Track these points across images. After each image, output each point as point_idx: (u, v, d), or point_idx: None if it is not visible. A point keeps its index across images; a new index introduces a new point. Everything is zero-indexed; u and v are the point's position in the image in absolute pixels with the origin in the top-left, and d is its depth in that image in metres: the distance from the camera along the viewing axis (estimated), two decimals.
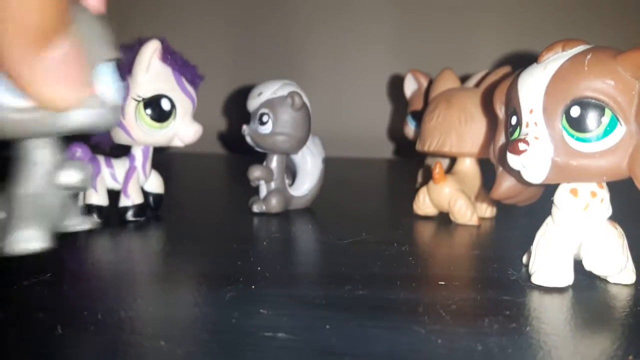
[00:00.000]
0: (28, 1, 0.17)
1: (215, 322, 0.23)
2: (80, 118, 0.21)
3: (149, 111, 0.38)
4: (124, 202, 0.41)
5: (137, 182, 0.41)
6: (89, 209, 0.40)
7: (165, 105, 0.39)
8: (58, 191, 0.23)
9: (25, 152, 0.23)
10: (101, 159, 0.41)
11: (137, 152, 0.41)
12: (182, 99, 0.40)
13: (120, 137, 0.40)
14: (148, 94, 0.38)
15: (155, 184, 0.44)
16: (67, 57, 0.20)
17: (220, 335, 0.22)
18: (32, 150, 0.23)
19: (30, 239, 0.22)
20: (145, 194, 0.43)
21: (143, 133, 0.39)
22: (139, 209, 0.41)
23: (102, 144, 0.41)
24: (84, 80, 0.21)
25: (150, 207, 0.43)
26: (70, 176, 0.23)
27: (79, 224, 0.27)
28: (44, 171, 0.23)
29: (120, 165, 0.41)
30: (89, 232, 0.38)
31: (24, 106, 0.20)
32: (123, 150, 0.42)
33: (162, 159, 0.46)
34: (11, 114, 0.20)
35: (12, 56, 0.19)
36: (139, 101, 0.38)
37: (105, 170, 0.41)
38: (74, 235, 0.37)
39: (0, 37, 0.18)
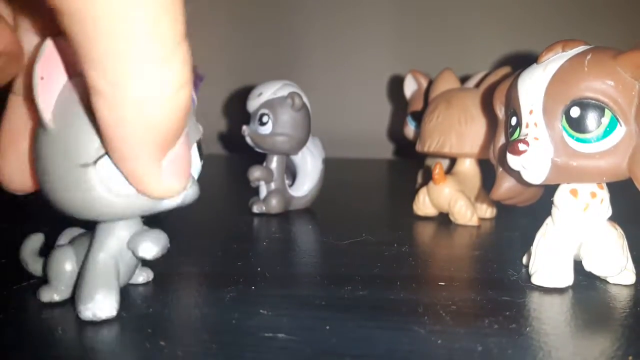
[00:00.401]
0: (165, 109, 0.17)
1: (216, 322, 0.23)
2: (176, 200, 0.22)
3: None
4: None
5: None
6: None
7: None
8: (134, 258, 0.24)
9: (109, 223, 0.23)
10: None
11: None
12: None
13: None
14: None
15: None
16: (181, 153, 0.20)
17: (221, 335, 0.22)
18: (118, 222, 0.23)
19: (105, 308, 0.23)
20: None
21: None
22: None
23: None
24: (190, 169, 0.22)
25: None
26: (149, 250, 0.23)
27: (137, 277, 0.28)
28: (125, 240, 0.24)
29: None
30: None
31: (129, 192, 0.21)
32: None
33: None
34: (115, 199, 0.21)
35: (136, 158, 0.19)
36: None
37: None
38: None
39: (128, 140, 0.18)
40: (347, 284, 0.28)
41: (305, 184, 0.47)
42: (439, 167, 0.41)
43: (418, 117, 0.51)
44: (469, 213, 0.41)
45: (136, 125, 0.17)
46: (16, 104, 0.23)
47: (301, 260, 0.34)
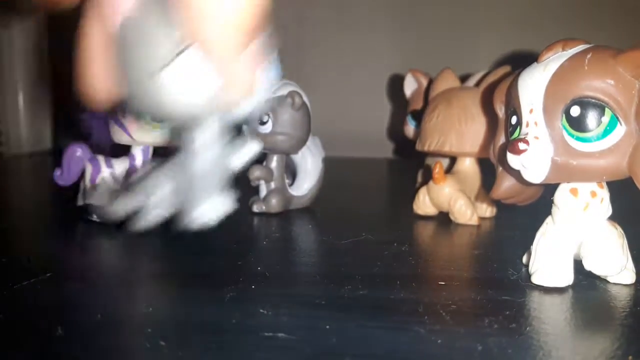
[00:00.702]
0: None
1: (216, 322, 0.23)
2: (247, 107, 0.23)
3: None
4: None
5: None
6: (89, 209, 0.40)
7: None
8: (225, 168, 0.25)
9: (196, 135, 0.24)
10: (101, 159, 0.41)
11: (137, 152, 0.41)
12: None
13: (120, 137, 0.40)
14: None
15: None
16: (254, 55, 0.22)
17: (221, 335, 0.22)
18: (198, 129, 0.24)
19: (215, 207, 0.24)
20: None
21: (143, 133, 0.39)
22: None
23: (101, 144, 0.41)
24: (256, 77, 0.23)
25: None
26: (242, 157, 0.25)
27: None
28: (213, 151, 0.24)
29: (120, 165, 0.41)
30: (88, 232, 0.38)
31: (203, 95, 0.22)
32: (123, 150, 0.42)
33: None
34: (190, 100, 0.22)
35: (219, 48, 0.20)
36: None
37: (105, 170, 0.41)
38: (74, 235, 0.37)
39: (215, 31, 0.20)
40: (347, 284, 0.28)
41: (305, 183, 0.47)
42: (439, 167, 0.41)
43: (418, 116, 0.51)
44: (469, 212, 0.41)
45: (225, 15, 0.19)
46: (95, 22, 0.23)
47: (301, 259, 0.34)
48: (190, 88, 0.22)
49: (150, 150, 0.42)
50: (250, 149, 0.25)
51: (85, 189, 0.41)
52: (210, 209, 0.24)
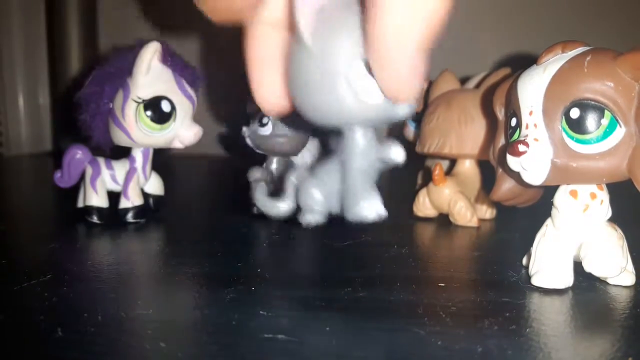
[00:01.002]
0: (426, 26, 0.20)
1: (215, 323, 0.23)
2: (407, 109, 0.25)
3: (149, 113, 0.38)
4: (124, 203, 0.41)
5: (137, 183, 0.41)
6: (89, 211, 0.40)
7: (165, 107, 0.39)
8: (377, 168, 0.27)
9: (353, 134, 0.26)
10: (101, 160, 0.41)
11: (137, 154, 0.41)
12: (182, 101, 0.40)
13: (120, 139, 0.40)
14: (148, 95, 0.38)
15: (155, 185, 0.44)
16: (421, 63, 0.22)
17: (220, 336, 0.22)
18: (358, 132, 0.26)
19: (377, 206, 0.26)
20: (145, 195, 0.43)
21: (143, 135, 0.39)
22: (139, 211, 0.41)
23: (102, 146, 0.41)
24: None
25: (150, 208, 0.43)
26: (399, 153, 0.26)
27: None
28: (370, 148, 0.26)
29: (120, 167, 0.41)
30: (89, 233, 0.38)
31: (373, 102, 0.24)
32: (123, 152, 0.42)
33: (162, 160, 0.46)
34: (362, 106, 0.24)
35: (398, 63, 0.21)
36: (139, 103, 0.38)
37: (105, 172, 0.41)
38: (74, 236, 0.37)
39: (396, 49, 0.21)
40: (347, 285, 0.28)
41: None
42: (439, 168, 0.41)
43: (418, 118, 0.51)
44: (469, 214, 0.41)
45: (406, 36, 0.20)
46: (266, 34, 0.25)
47: (301, 261, 0.34)
48: (365, 96, 0.24)
49: (151, 152, 0.42)
50: (398, 152, 0.26)
51: (86, 191, 0.41)
52: (368, 207, 0.26)
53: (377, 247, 0.35)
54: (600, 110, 0.25)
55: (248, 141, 0.44)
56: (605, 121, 0.25)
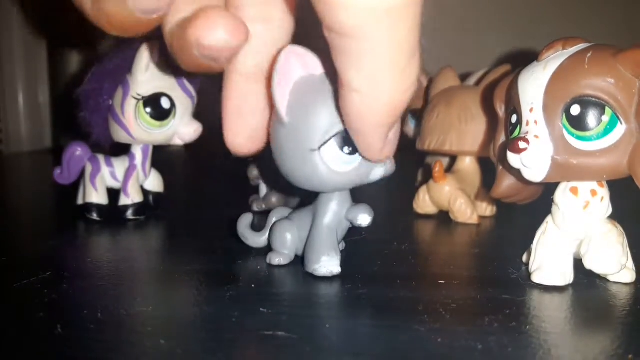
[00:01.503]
0: (401, 102, 0.21)
1: (215, 320, 0.23)
2: (381, 170, 0.27)
3: (148, 110, 0.38)
4: (123, 200, 0.41)
5: (137, 180, 0.41)
6: (89, 208, 0.40)
7: (165, 103, 0.39)
8: (346, 226, 0.30)
9: (327, 195, 0.29)
10: (101, 157, 0.41)
11: (137, 151, 0.41)
12: (181, 98, 0.40)
13: (120, 136, 0.40)
14: (148, 92, 0.38)
15: (155, 182, 0.44)
16: (397, 130, 0.25)
17: (220, 333, 0.22)
18: (332, 195, 0.29)
19: (333, 264, 0.28)
20: (145, 192, 0.43)
21: (143, 132, 0.39)
22: (139, 208, 0.41)
23: (101, 143, 0.41)
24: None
25: (150, 206, 0.43)
26: (366, 219, 0.28)
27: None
28: (341, 212, 0.29)
29: (120, 164, 0.41)
30: (88, 231, 0.38)
31: (345, 170, 0.26)
32: (123, 149, 0.42)
33: (162, 157, 0.46)
34: (334, 176, 0.26)
35: (374, 134, 0.23)
36: (138, 100, 0.38)
37: (105, 169, 0.41)
38: (74, 233, 0.37)
39: (372, 123, 0.22)
40: (347, 283, 0.28)
41: None
42: (439, 165, 0.41)
43: (418, 115, 0.51)
44: (469, 211, 0.41)
45: (381, 113, 0.22)
46: (241, 83, 0.26)
47: (300, 258, 0.34)
48: (338, 167, 0.26)
49: (150, 149, 0.42)
50: (365, 219, 0.29)
51: (85, 188, 0.41)
52: (328, 264, 0.28)
53: (376, 244, 0.35)
54: (601, 107, 0.25)
55: None
56: (606, 118, 0.25)
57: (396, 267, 0.31)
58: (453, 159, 0.46)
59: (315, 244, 0.29)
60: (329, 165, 0.26)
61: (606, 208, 0.27)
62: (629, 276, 0.28)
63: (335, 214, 0.29)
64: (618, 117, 0.25)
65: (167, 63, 0.39)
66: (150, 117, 0.39)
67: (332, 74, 0.25)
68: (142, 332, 0.22)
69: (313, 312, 0.24)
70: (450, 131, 0.42)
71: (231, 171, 0.72)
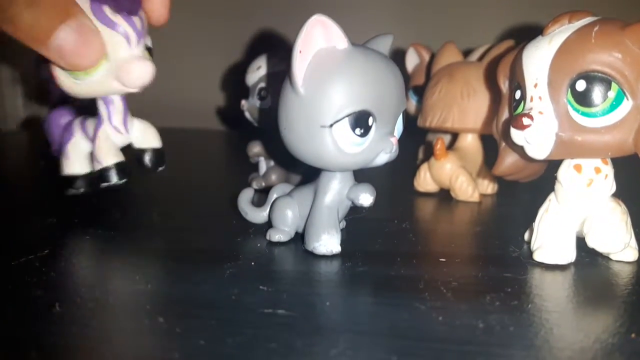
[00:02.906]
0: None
1: (215, 298, 0.23)
2: (386, 156, 0.28)
3: None
4: (95, 165, 0.34)
5: (107, 139, 0.34)
6: (69, 181, 0.36)
7: None
8: (347, 205, 0.30)
9: (330, 174, 0.29)
10: (77, 121, 0.36)
11: (101, 106, 0.34)
12: (106, 35, 0.31)
13: (64, 90, 0.33)
14: None
15: (145, 136, 0.36)
16: None
17: (220, 311, 0.22)
18: (335, 174, 0.29)
19: (333, 243, 0.28)
20: (139, 152, 0.36)
21: (72, 84, 0.32)
22: (117, 170, 0.34)
23: (67, 101, 0.39)
24: None
25: (147, 166, 0.36)
26: (367, 199, 0.28)
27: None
28: (342, 191, 0.29)
29: (91, 125, 0.35)
30: (87, 208, 0.38)
31: (354, 151, 0.26)
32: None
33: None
34: (341, 155, 0.26)
35: None
36: None
37: (78, 134, 0.36)
38: (72, 210, 0.37)
39: None
40: (348, 260, 0.28)
41: None
42: (440, 143, 0.41)
43: (420, 91, 0.50)
44: (470, 189, 0.41)
45: None
46: None
47: (301, 235, 0.33)
48: (346, 147, 0.26)
49: (117, 101, 0.34)
50: (366, 198, 0.28)
51: (67, 156, 0.36)
52: (328, 243, 0.28)
53: (377, 222, 0.35)
54: (607, 82, 0.24)
55: (247, 115, 0.43)
56: (612, 94, 0.24)
57: (397, 245, 0.31)
58: (455, 136, 0.45)
59: (316, 222, 0.29)
60: (338, 144, 0.26)
61: (610, 186, 0.27)
62: (631, 255, 0.28)
63: (337, 192, 0.29)
64: (624, 93, 0.24)
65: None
66: None
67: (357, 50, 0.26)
68: (141, 309, 0.22)
69: (313, 290, 0.24)
70: (452, 108, 0.42)
71: (230, 147, 0.71)
